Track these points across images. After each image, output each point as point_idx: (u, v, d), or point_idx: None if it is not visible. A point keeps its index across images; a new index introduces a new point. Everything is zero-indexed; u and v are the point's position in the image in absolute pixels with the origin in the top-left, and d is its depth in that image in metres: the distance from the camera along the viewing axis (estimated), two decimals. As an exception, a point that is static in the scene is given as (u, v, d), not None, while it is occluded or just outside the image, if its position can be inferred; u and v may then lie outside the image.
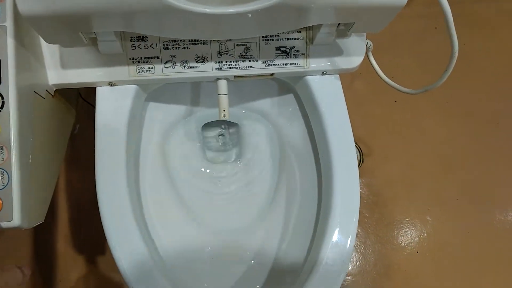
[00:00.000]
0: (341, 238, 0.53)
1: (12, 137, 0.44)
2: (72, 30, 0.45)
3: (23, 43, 0.48)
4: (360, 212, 0.94)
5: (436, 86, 0.57)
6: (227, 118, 0.59)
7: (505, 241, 0.96)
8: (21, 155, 0.45)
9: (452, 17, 0.48)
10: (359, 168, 0.97)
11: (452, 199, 0.99)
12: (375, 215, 0.96)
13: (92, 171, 0.88)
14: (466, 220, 0.98)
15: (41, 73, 0.52)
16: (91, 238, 0.88)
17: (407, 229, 0.96)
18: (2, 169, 0.44)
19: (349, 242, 0.53)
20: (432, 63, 1.09)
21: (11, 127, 0.45)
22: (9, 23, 0.46)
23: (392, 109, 1.06)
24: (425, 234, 0.96)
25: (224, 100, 0.59)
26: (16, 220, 0.44)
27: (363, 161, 1.00)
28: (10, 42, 0.46)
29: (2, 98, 0.44)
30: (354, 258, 0.92)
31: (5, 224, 0.43)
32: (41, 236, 0.87)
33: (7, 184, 0.44)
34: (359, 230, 0.94)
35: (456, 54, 0.51)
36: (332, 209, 0.55)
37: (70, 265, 0.86)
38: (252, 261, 0.64)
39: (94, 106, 0.57)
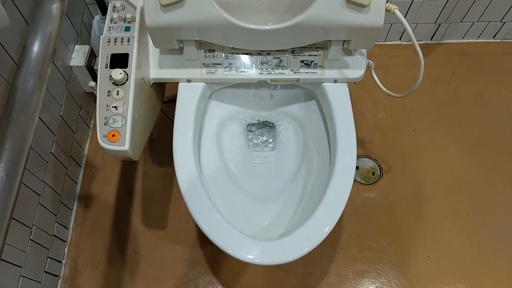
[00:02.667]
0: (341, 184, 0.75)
1: (130, 98, 0.73)
2: (171, 37, 0.75)
3: (141, 47, 0.78)
4: (376, 216, 1.11)
5: (415, 88, 0.79)
6: None
7: (512, 253, 1.07)
8: (133, 110, 0.73)
9: (413, 35, 0.71)
10: (378, 182, 1.16)
11: (463, 214, 1.13)
12: (389, 220, 1.11)
13: (162, 167, 1.16)
14: (475, 233, 1.10)
15: (147, 69, 0.82)
16: (157, 217, 1.12)
17: (419, 234, 1.09)
18: (122, 115, 0.72)
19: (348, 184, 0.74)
20: (446, 98, 1.29)
21: (130, 92, 0.73)
22: (136, 34, 0.77)
23: (411, 137, 1.24)
24: (436, 241, 1.09)
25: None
26: (126, 146, 0.71)
27: (382, 176, 1.18)
28: (135, 45, 0.76)
29: (127, 75, 0.74)
30: (369, 253, 1.07)
31: (120, 148, 0.70)
32: (121, 214, 1.12)
33: (123, 125, 0.72)
34: (375, 231, 1.10)
35: (423, 62, 0.73)
36: (333, 173, 0.77)
37: (140, 236, 1.10)
38: (275, 219, 0.85)
39: (170, 119, 0.84)
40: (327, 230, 0.73)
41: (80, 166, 1.17)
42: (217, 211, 0.74)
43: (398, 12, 0.71)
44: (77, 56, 1.07)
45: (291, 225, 0.81)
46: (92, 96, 1.22)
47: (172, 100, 0.85)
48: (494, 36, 1.38)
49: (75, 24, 1.06)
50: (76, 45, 1.08)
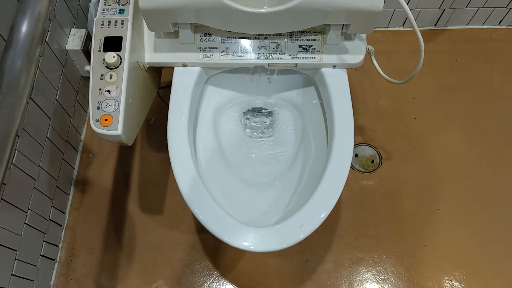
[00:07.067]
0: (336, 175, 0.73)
1: (123, 82, 0.72)
2: (165, 20, 0.73)
3: (135, 31, 0.77)
4: (374, 204, 1.10)
5: (415, 74, 0.77)
6: None
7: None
8: (126, 94, 0.72)
9: (413, 18, 0.69)
10: (377, 170, 1.15)
11: (462, 204, 1.11)
12: (388, 208, 1.10)
13: (160, 152, 1.15)
14: (474, 223, 1.09)
15: (142, 53, 0.81)
16: (154, 203, 1.12)
17: (417, 222, 1.08)
18: (115, 99, 0.71)
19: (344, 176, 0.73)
20: (449, 85, 1.27)
21: (123, 76, 0.72)
22: (130, 17, 0.76)
23: (412, 125, 1.22)
24: (434, 230, 1.08)
25: None
26: (119, 131, 0.70)
27: (382, 164, 1.17)
28: (129, 28, 0.75)
29: (121, 58, 0.73)
30: (366, 241, 1.06)
31: (112, 132, 0.69)
32: (117, 199, 1.11)
33: (116, 109, 0.70)
34: (373, 220, 1.09)
35: (423, 47, 0.71)
36: (330, 161, 0.75)
37: (136, 222, 1.09)
38: (272, 206, 0.84)
39: (167, 103, 0.82)
40: (322, 216, 0.72)
41: (77, 151, 1.17)
42: (212, 198, 0.73)
43: (398, -5, 0.68)
44: (74, 40, 1.05)
45: (287, 212, 0.81)
46: (89, 81, 1.20)
47: (170, 85, 0.84)
48: (500, 23, 1.35)
49: (71, 7, 1.04)
50: (72, 29, 1.06)
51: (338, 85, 0.83)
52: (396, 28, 1.37)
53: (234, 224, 0.71)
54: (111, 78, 0.72)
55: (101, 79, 0.72)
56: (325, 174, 0.74)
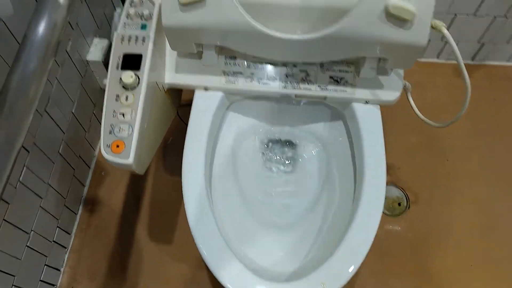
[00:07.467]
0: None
1: (140, 106, 0.67)
2: (189, 40, 0.68)
3: (157, 49, 0.72)
4: (400, 252, 1.01)
5: (459, 118, 0.69)
6: None
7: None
8: (142, 119, 0.67)
9: (462, 60, 0.62)
10: (404, 214, 1.06)
11: (497, 259, 1.00)
12: (415, 258, 1.00)
13: (174, 176, 1.09)
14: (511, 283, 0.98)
15: (162, 72, 0.76)
16: (164, 230, 1.05)
17: (448, 277, 0.98)
18: (129, 124, 0.66)
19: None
20: (486, 127, 1.18)
21: (140, 99, 0.67)
22: (152, 34, 0.71)
23: (444, 167, 1.13)
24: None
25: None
26: (130, 159, 0.64)
27: (409, 207, 1.08)
28: (150, 46, 0.70)
29: (139, 79, 0.68)
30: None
31: (123, 161, 0.64)
32: (126, 223, 1.06)
33: (130, 135, 0.65)
34: (397, 269, 1.00)
35: (469, 88, 0.64)
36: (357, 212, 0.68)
37: (144, 248, 1.03)
38: (290, 253, 0.76)
39: (186, 124, 0.77)
40: (351, 271, 0.64)
41: (90, 168, 1.12)
42: (223, 240, 0.66)
43: (446, 31, 0.62)
44: (95, 50, 1.01)
45: (307, 261, 0.73)
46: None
47: (191, 104, 0.79)
48: (544, 62, 1.27)
49: (95, 16, 1.00)
50: (95, 39, 1.02)
51: (370, 123, 0.76)
52: (430, 60, 1.30)
53: (245, 275, 0.63)
54: (127, 99, 0.67)
55: (116, 100, 0.67)
56: (353, 223, 0.66)
